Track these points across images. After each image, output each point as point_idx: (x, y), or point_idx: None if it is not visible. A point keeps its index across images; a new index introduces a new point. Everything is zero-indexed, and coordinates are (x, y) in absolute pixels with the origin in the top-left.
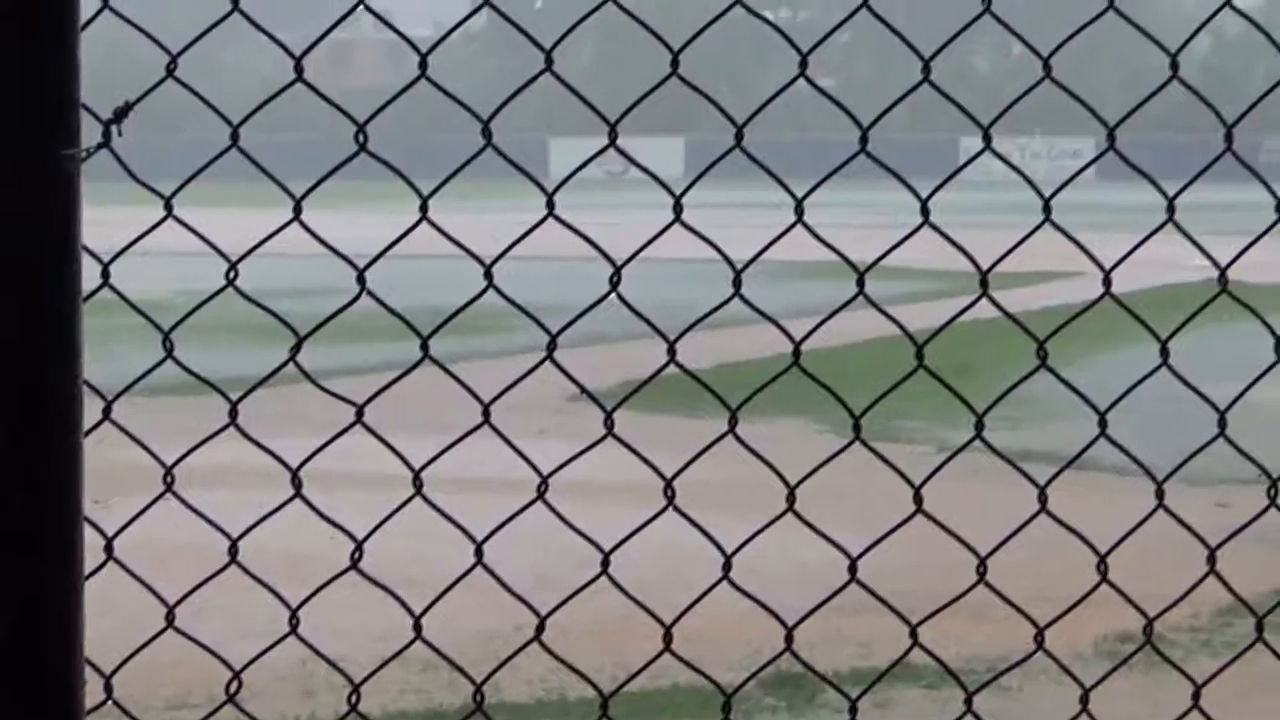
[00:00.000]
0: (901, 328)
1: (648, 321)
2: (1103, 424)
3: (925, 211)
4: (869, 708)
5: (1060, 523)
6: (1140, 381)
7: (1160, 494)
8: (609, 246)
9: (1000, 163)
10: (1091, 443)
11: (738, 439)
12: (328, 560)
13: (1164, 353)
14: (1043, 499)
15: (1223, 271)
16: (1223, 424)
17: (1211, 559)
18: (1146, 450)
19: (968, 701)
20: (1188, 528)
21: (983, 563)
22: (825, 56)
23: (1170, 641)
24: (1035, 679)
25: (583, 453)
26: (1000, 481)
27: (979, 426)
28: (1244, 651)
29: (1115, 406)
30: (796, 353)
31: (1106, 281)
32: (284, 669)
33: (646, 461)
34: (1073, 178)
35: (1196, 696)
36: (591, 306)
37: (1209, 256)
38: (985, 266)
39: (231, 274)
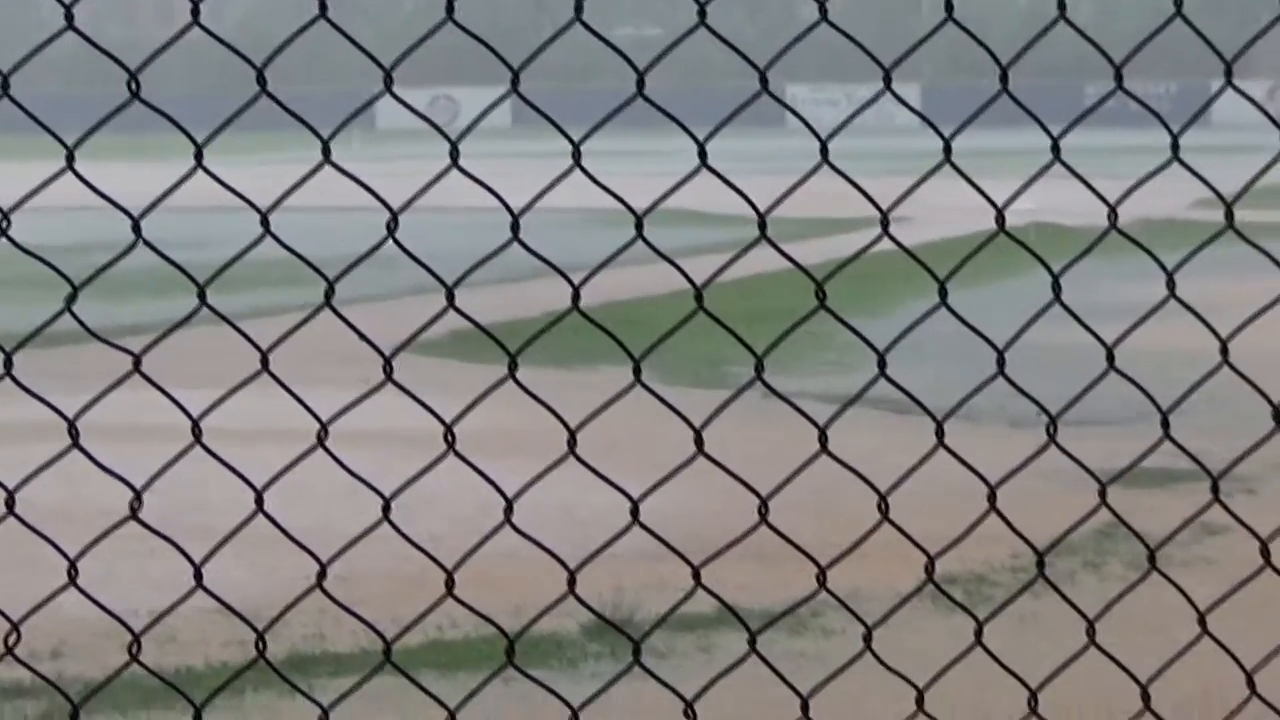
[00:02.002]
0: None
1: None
2: (881, 364)
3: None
4: (694, 651)
5: (840, 462)
6: (918, 322)
7: (940, 433)
8: (445, 196)
9: (829, 111)
10: (870, 383)
11: (517, 383)
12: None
13: (942, 293)
14: (822, 439)
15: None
16: (1001, 363)
17: (992, 496)
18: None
19: (751, 641)
20: (968, 467)
21: (764, 503)
22: (652, 6)
23: (992, 581)
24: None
25: (359, 400)
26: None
27: (758, 369)
28: (1020, 594)
29: (961, 353)
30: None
31: (884, 223)
32: (104, 625)
33: (426, 407)
34: (848, 120)
35: (979, 634)
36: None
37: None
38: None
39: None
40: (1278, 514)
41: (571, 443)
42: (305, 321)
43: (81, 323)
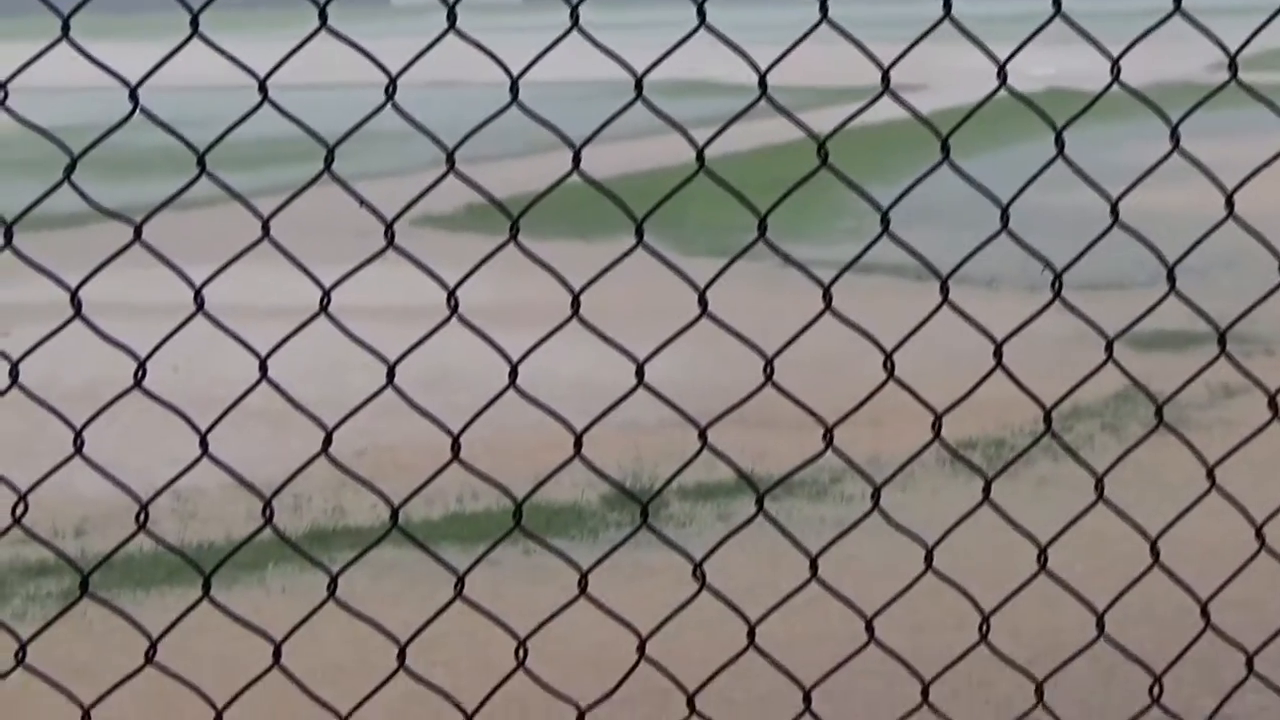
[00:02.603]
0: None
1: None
2: (885, 223)
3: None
4: (713, 520)
5: (845, 321)
6: (920, 179)
7: (944, 291)
8: (463, 70)
9: None
10: (873, 241)
11: (521, 249)
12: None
13: (945, 149)
14: (827, 298)
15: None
16: (1005, 219)
17: (998, 354)
18: (986, 257)
19: (758, 503)
20: (977, 326)
21: (769, 363)
22: None
23: (1011, 446)
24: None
25: (362, 266)
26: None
27: (761, 228)
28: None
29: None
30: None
31: (885, 80)
32: (125, 504)
33: (428, 272)
34: None
35: (987, 490)
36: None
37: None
38: (818, 81)
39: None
40: None
41: (575, 305)
42: (305, 188)
43: (81, 192)
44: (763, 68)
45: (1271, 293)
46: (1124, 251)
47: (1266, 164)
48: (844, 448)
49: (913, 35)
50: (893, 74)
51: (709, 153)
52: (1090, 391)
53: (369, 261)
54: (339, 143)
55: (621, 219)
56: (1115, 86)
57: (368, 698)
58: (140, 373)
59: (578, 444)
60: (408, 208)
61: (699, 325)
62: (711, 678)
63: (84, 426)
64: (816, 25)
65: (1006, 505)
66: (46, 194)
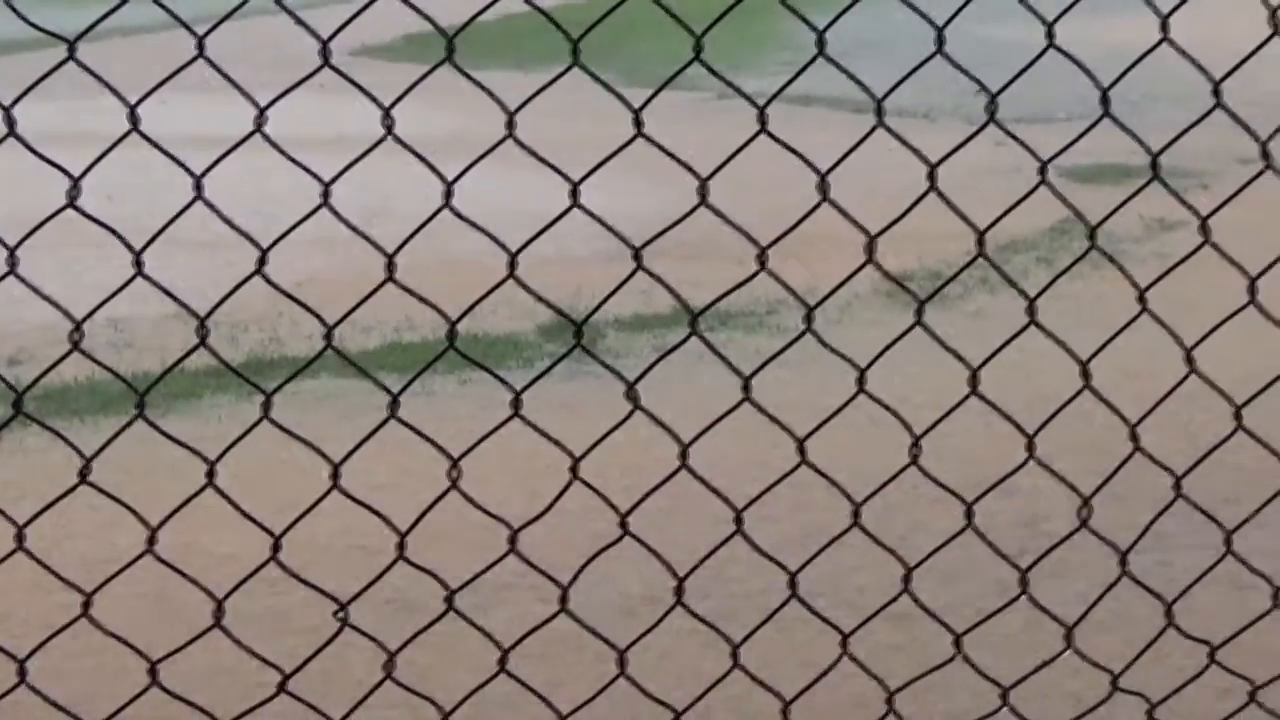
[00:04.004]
0: None
1: None
2: (820, 45)
3: None
4: (649, 351)
5: (781, 143)
6: (850, 5)
7: (879, 114)
8: None
9: None
10: (808, 63)
11: (458, 70)
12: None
13: None
14: (762, 120)
15: None
16: (940, 43)
17: (931, 176)
18: (926, 91)
19: (691, 324)
20: (911, 149)
21: (703, 184)
22: None
23: (947, 278)
24: (821, 314)
25: (290, 90)
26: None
27: (696, 50)
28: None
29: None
30: None
31: None
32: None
33: (368, 94)
34: None
35: (919, 313)
36: None
37: None
38: None
39: None
40: (1232, 207)
41: (510, 125)
42: (234, 11)
43: (15, 9)
44: None
45: (1202, 119)
46: (1065, 85)
47: None
48: (794, 279)
49: None
50: None
51: None
52: (1027, 224)
53: (305, 80)
54: None
55: (562, 51)
56: None
57: (299, 519)
58: (75, 192)
59: (511, 264)
60: (340, 29)
61: (638, 158)
62: (642, 499)
63: (16, 246)
64: None
65: (944, 336)
66: None
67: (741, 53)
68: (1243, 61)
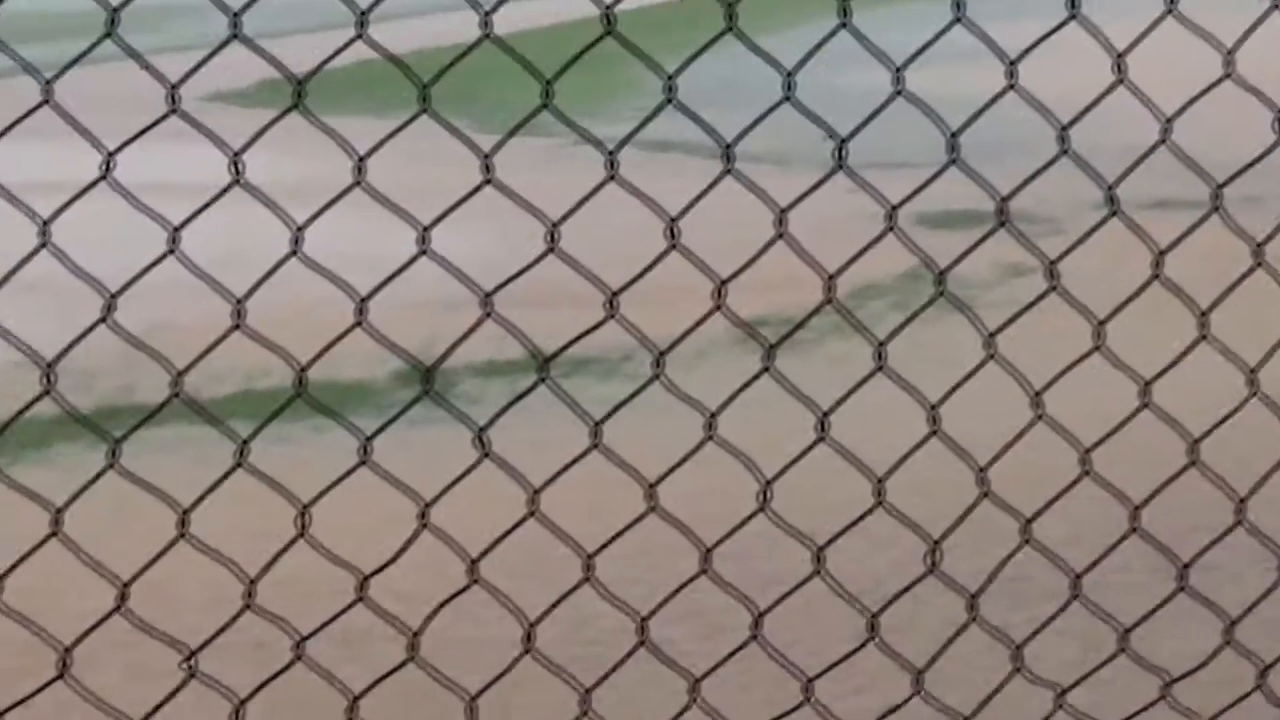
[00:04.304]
0: None
1: None
2: (669, 90)
3: None
4: (503, 398)
5: (631, 190)
6: (702, 50)
7: (727, 159)
8: None
9: None
10: (658, 109)
11: (309, 117)
12: None
13: (730, 17)
14: (610, 164)
15: None
16: (789, 89)
17: (779, 222)
18: (787, 139)
19: (540, 370)
20: (760, 194)
21: (552, 231)
22: None
23: (806, 325)
24: (674, 361)
25: (136, 137)
26: (639, 169)
27: (545, 95)
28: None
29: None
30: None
31: None
32: None
33: (213, 138)
34: None
35: (767, 357)
36: None
37: None
38: None
39: None
40: (1082, 251)
41: (359, 170)
42: (87, 52)
43: None
44: None
45: (1048, 165)
46: (920, 132)
47: (1045, 36)
48: (646, 326)
49: None
50: None
51: (506, 27)
52: (882, 269)
53: (154, 125)
54: (122, 5)
55: (417, 96)
56: None
57: (145, 568)
58: None
59: (360, 311)
60: (189, 75)
61: (492, 207)
62: (496, 543)
63: None
64: None
65: (798, 383)
66: None
67: (598, 99)
68: (1088, 109)
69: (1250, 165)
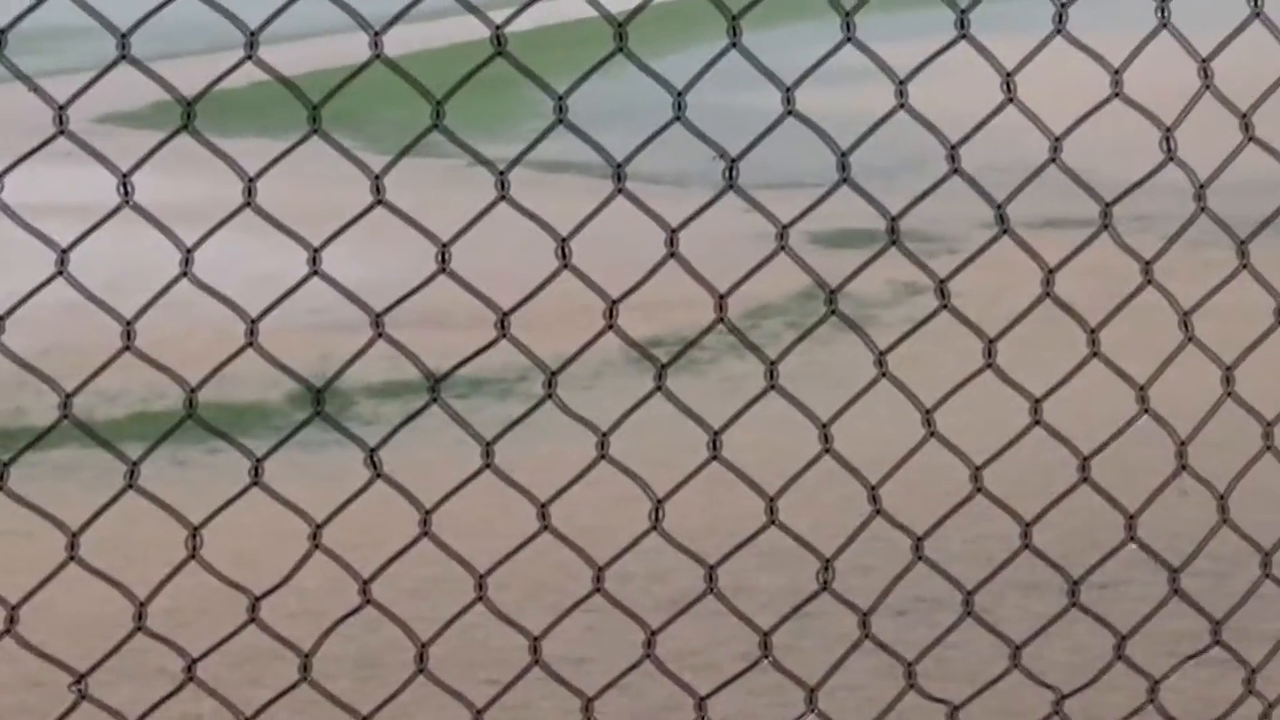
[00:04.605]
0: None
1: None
2: (559, 110)
3: None
4: (399, 418)
5: (522, 210)
6: (593, 70)
7: (618, 179)
8: None
9: None
10: (549, 129)
11: (199, 140)
12: None
13: (620, 37)
14: (501, 184)
15: None
16: (678, 108)
17: (670, 242)
18: (686, 159)
19: (431, 391)
20: (652, 215)
21: (443, 251)
22: None
23: (700, 344)
24: (565, 385)
25: (25, 158)
26: (536, 188)
27: (436, 115)
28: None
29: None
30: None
31: None
32: None
33: (103, 161)
34: None
35: (658, 377)
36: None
37: None
38: None
39: None
40: (975, 270)
41: (249, 193)
42: None
43: None
44: None
45: (938, 185)
46: (815, 152)
47: (934, 56)
48: (541, 348)
49: None
50: None
51: (402, 49)
52: (777, 289)
53: (42, 146)
54: (10, 27)
55: (307, 117)
56: None
57: (32, 592)
58: None
59: (251, 332)
60: (77, 95)
61: (391, 228)
62: (388, 564)
63: None
64: None
65: (693, 402)
66: None
67: (494, 119)
68: (977, 128)
69: (1138, 184)
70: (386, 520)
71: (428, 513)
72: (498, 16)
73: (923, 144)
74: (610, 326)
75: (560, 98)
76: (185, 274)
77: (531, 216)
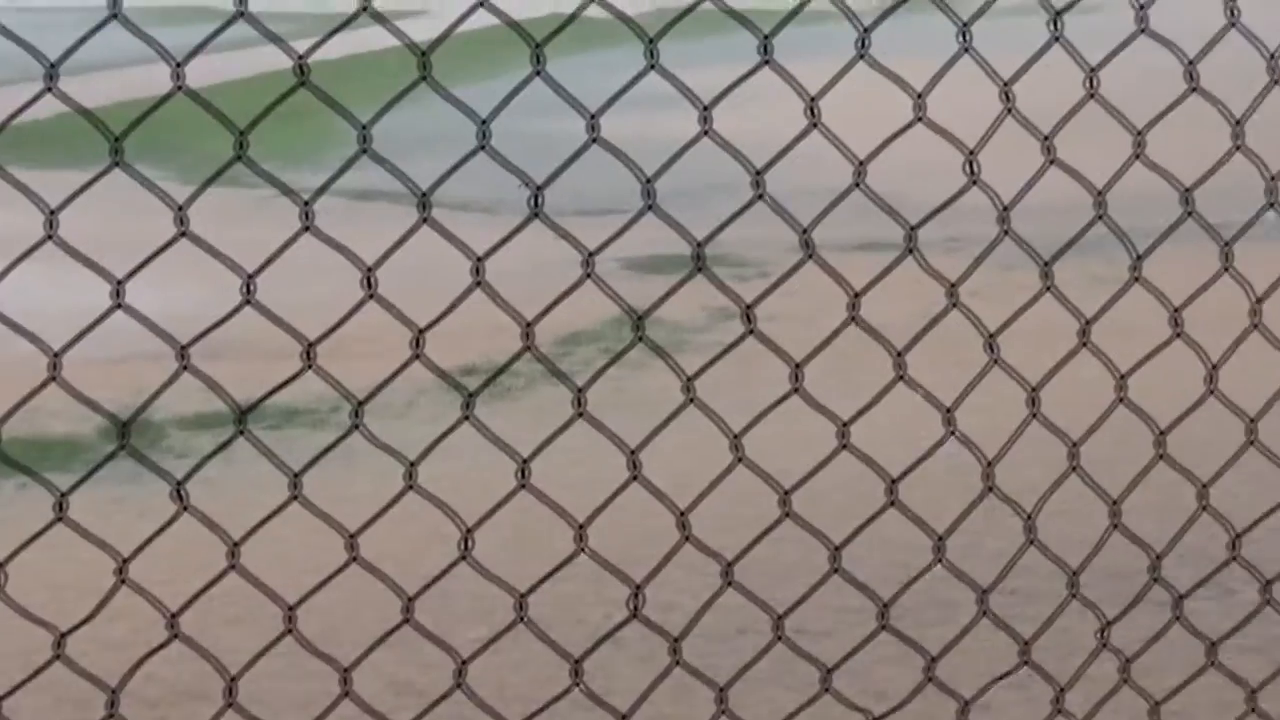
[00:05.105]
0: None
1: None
2: (363, 140)
3: None
4: (210, 449)
5: (325, 239)
6: (388, 106)
7: (423, 207)
8: None
9: None
10: (353, 159)
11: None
12: None
13: (423, 67)
14: (305, 215)
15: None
16: (483, 137)
17: (476, 270)
18: (489, 185)
19: (238, 423)
20: (456, 243)
21: (248, 283)
22: None
23: (513, 371)
24: (379, 415)
25: None
26: (345, 218)
27: (239, 146)
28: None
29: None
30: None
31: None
32: None
33: None
34: None
35: (466, 405)
36: None
37: None
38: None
39: None
40: (790, 294)
41: (50, 225)
42: None
43: None
44: None
45: (744, 209)
46: (625, 179)
47: (738, 82)
48: (343, 378)
49: None
50: (396, 1)
51: (211, 79)
52: (591, 316)
53: None
54: None
55: (129, 147)
56: (612, 11)
57: None
58: None
59: (53, 366)
60: None
61: (200, 261)
62: (193, 600)
63: None
64: None
65: (505, 430)
66: None
67: (303, 148)
68: (782, 153)
69: (941, 209)
70: (202, 553)
71: (236, 545)
72: (305, 45)
73: (734, 168)
74: (416, 356)
75: (364, 128)
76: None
77: (336, 246)
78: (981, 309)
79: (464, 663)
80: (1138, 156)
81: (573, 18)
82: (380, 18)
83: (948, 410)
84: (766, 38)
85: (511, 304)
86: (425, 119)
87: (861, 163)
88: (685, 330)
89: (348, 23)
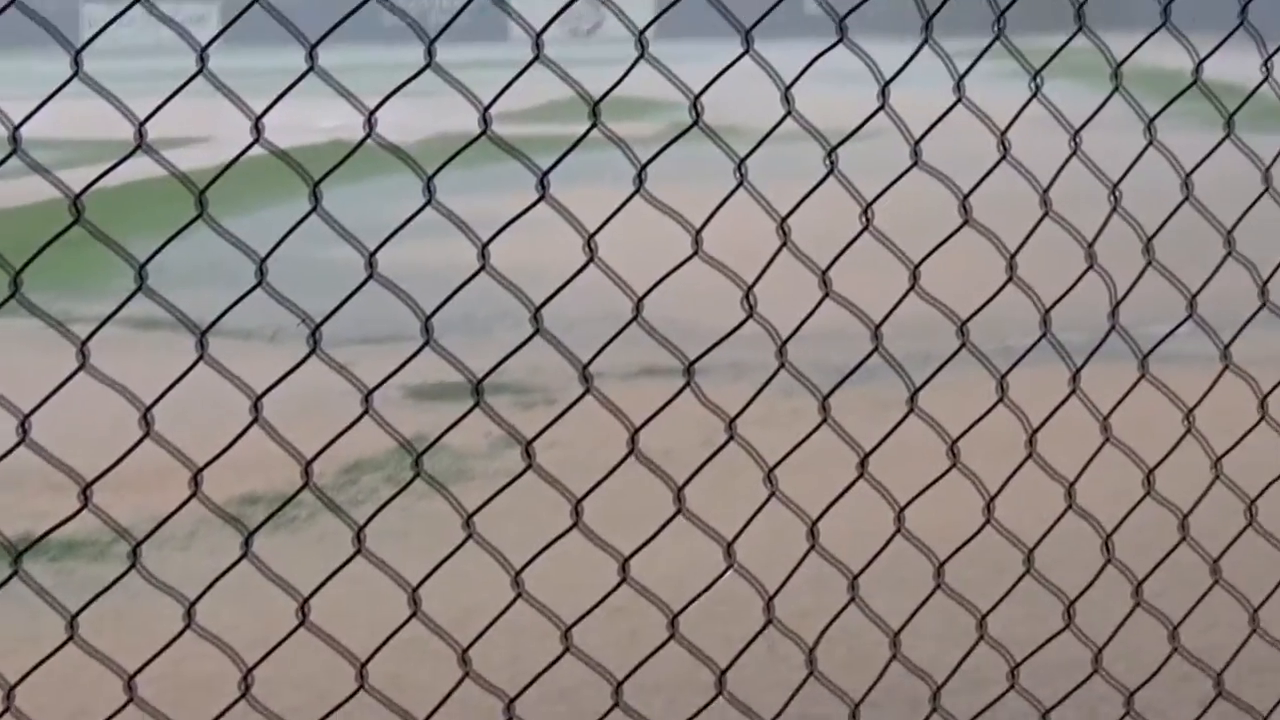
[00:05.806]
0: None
1: None
2: (141, 277)
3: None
4: None
5: (100, 377)
6: (177, 234)
7: (202, 344)
8: None
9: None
10: (132, 294)
11: None
12: None
13: (201, 206)
14: (82, 354)
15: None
16: (261, 274)
17: (255, 408)
18: (271, 313)
19: (14, 561)
20: (233, 379)
21: (24, 422)
22: None
23: (298, 502)
24: (162, 545)
25: None
26: (127, 348)
27: (15, 284)
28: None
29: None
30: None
31: (140, 137)
32: None
33: None
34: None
35: (246, 543)
36: None
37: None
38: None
39: None
40: (576, 421)
41: None
42: None
43: None
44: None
45: (522, 346)
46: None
47: (516, 218)
48: (132, 510)
49: (199, 88)
50: (179, 127)
51: None
52: (375, 444)
53: None
54: None
55: None
56: (402, 137)
57: None
58: None
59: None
60: None
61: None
62: None
63: None
64: (68, 81)
65: (287, 560)
66: None
67: (86, 277)
68: (561, 287)
69: (719, 343)
70: None
71: (12, 688)
72: (83, 172)
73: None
74: (195, 494)
75: (141, 266)
76: None
77: (110, 384)
78: (765, 437)
79: None
80: (912, 288)
81: (351, 153)
82: (155, 153)
83: (728, 545)
84: (545, 173)
85: (294, 434)
86: (208, 246)
87: (641, 298)
88: (470, 457)
89: (124, 160)
